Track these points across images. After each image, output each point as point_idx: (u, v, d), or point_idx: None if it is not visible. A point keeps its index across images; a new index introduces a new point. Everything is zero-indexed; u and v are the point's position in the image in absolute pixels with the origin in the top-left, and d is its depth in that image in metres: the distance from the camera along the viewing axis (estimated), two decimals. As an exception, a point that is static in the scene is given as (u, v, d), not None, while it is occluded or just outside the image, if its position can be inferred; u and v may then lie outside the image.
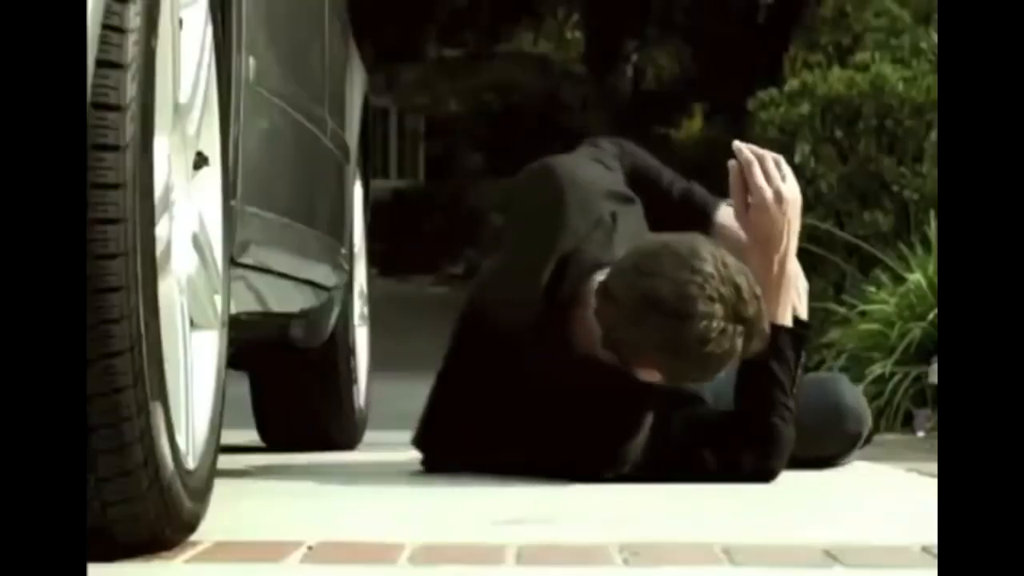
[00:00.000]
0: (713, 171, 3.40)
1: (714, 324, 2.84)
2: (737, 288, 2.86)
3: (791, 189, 3.15)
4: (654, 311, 2.88)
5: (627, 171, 3.32)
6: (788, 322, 3.14)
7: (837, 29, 20.03)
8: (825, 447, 3.45)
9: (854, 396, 3.55)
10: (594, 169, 3.26)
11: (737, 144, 3.20)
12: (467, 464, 3.26)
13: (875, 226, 6.70)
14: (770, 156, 3.17)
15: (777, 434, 3.10)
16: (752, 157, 3.15)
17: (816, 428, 3.33)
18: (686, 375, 2.97)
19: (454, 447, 3.33)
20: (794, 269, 3.19)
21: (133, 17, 1.91)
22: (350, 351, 4.38)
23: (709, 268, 2.86)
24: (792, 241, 3.15)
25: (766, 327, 2.93)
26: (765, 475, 3.10)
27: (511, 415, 3.15)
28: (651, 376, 2.96)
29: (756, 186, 3.13)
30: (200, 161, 2.33)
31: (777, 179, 3.15)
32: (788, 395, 3.12)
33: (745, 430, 3.11)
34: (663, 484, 3.06)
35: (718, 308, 2.85)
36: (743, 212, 3.16)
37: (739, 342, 2.88)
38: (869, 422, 3.56)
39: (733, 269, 2.88)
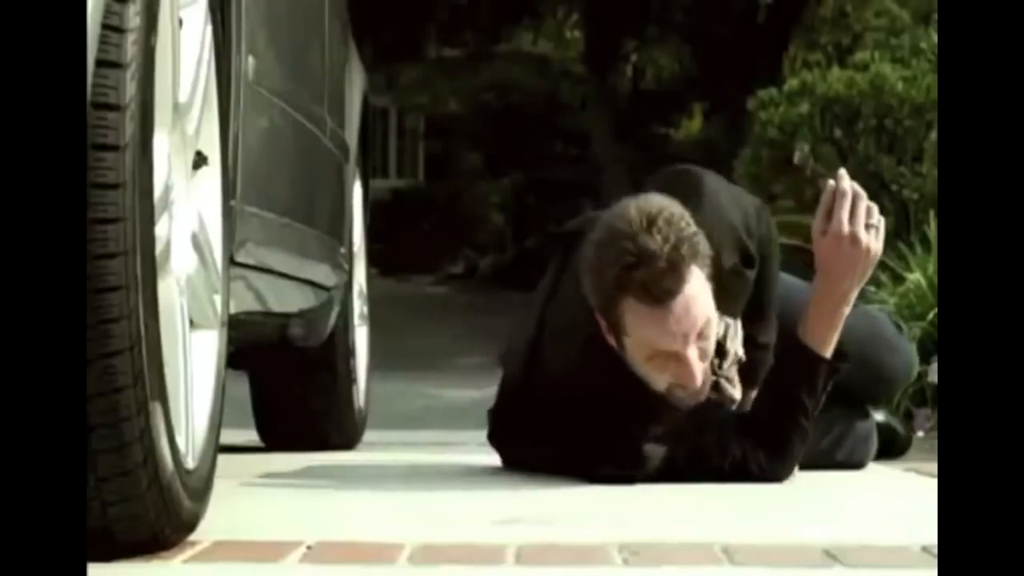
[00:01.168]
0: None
1: (628, 246, 2.94)
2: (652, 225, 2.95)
3: (874, 241, 3.16)
4: (588, 256, 3.02)
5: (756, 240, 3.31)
6: (827, 353, 3.17)
7: (837, 29, 20.04)
8: (835, 461, 3.50)
9: (866, 417, 3.64)
10: (737, 211, 3.27)
11: (842, 172, 3.24)
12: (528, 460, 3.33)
13: (875, 226, 6.69)
14: (865, 200, 3.19)
15: (791, 448, 3.17)
16: (848, 191, 3.18)
17: (861, 360, 3.37)
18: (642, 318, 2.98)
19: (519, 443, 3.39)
20: (848, 310, 3.21)
21: (132, 17, 1.91)
22: (349, 351, 4.38)
23: (632, 217, 2.96)
24: (855, 286, 3.18)
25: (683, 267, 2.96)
26: (770, 480, 3.13)
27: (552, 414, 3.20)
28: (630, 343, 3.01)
29: (837, 218, 3.16)
30: (200, 160, 2.33)
31: (861, 222, 3.16)
32: (809, 419, 3.18)
33: (761, 438, 3.13)
34: (663, 484, 3.06)
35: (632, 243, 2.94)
36: (820, 234, 3.18)
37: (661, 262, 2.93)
38: (874, 441, 3.66)
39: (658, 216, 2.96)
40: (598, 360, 3.08)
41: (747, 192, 3.46)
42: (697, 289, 2.97)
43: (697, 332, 2.98)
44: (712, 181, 3.27)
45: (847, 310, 3.19)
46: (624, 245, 2.95)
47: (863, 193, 3.20)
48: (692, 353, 2.99)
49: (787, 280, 3.43)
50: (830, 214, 3.17)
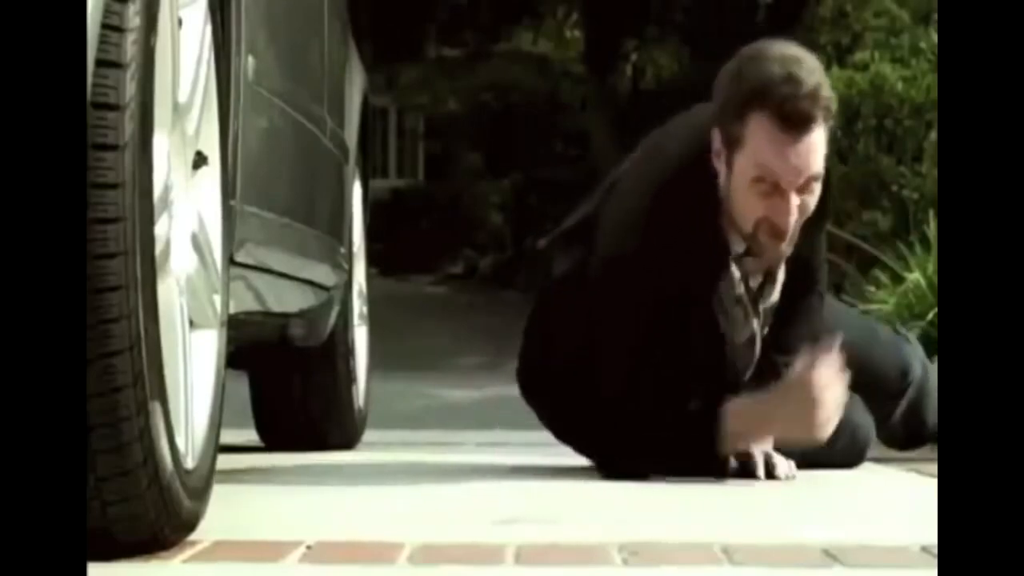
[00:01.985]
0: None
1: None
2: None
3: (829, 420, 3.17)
4: (730, 65, 3.19)
5: None
6: (723, 447, 3.19)
7: (836, 29, 20.03)
8: (832, 457, 3.49)
9: (863, 414, 3.63)
10: None
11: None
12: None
13: (874, 226, 6.71)
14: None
15: None
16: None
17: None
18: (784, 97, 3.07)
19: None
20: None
21: (132, 16, 1.91)
22: (349, 350, 4.38)
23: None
24: (779, 429, 3.20)
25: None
26: None
27: None
28: (760, 133, 3.08)
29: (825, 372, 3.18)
30: (199, 160, 2.33)
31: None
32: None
33: None
34: (663, 484, 3.06)
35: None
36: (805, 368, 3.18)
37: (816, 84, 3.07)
38: (873, 436, 3.67)
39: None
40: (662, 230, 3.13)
41: None
42: (820, 139, 3.08)
43: (808, 177, 3.08)
44: None
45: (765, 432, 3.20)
46: (774, 64, 3.09)
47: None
48: (794, 197, 3.08)
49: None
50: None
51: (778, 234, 3.11)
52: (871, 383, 3.59)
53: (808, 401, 3.10)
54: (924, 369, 3.73)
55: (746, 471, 3.18)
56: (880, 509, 2.90)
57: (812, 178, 3.10)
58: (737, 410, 3.15)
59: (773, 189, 3.08)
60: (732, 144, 3.12)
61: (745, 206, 3.12)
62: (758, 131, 3.08)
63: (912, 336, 3.87)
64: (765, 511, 2.78)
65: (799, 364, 3.16)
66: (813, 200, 3.13)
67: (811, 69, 3.11)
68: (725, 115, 3.13)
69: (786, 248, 3.16)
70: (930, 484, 3.24)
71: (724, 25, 20.79)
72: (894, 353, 3.70)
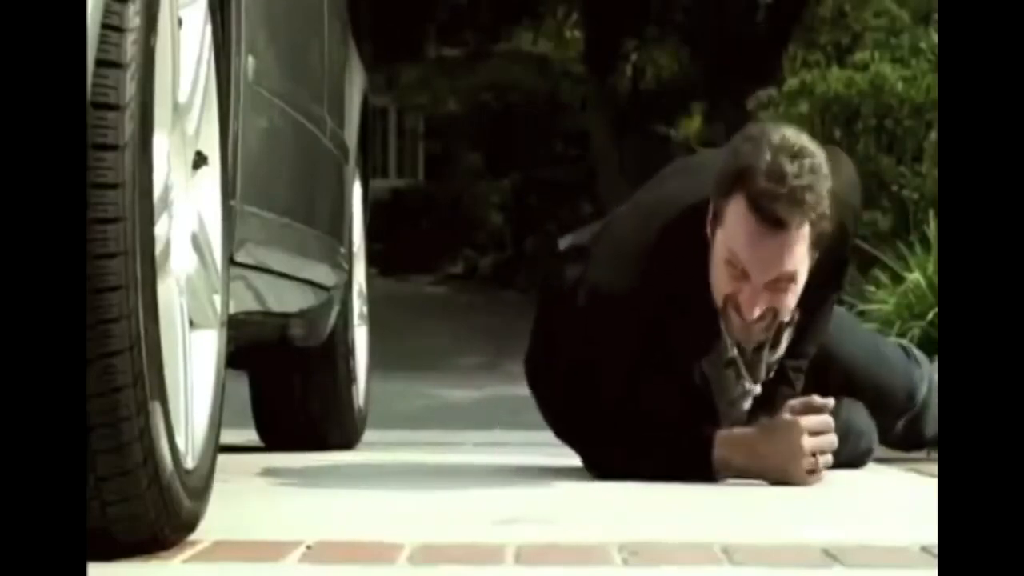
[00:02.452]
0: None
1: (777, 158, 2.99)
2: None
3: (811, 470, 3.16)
4: (736, 138, 3.10)
5: None
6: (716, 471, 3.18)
7: (836, 28, 20.03)
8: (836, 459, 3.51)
9: (866, 420, 3.63)
10: (856, 200, 3.35)
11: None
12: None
13: (874, 226, 6.70)
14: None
15: None
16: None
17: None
18: (765, 194, 2.98)
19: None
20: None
21: (132, 16, 1.91)
22: (349, 350, 4.38)
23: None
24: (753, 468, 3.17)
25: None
26: None
27: None
28: (737, 221, 3.00)
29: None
30: (199, 160, 2.33)
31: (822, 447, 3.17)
32: None
33: None
34: (662, 484, 3.06)
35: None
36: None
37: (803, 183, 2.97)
38: (876, 443, 3.67)
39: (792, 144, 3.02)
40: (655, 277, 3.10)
41: None
42: (798, 241, 2.99)
43: (780, 275, 3.00)
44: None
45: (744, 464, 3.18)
46: (764, 150, 2.99)
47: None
48: (761, 286, 3.01)
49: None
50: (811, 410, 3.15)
51: (742, 321, 3.05)
52: (876, 402, 3.60)
53: (789, 449, 3.10)
54: (929, 388, 3.74)
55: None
56: (880, 509, 2.90)
57: (785, 277, 3.00)
58: (724, 439, 3.16)
59: (743, 275, 3.01)
60: (716, 217, 3.05)
61: (717, 280, 3.06)
62: (735, 215, 3.00)
63: (920, 354, 3.84)
64: (765, 511, 2.78)
65: (786, 409, 3.16)
66: (789, 299, 3.04)
67: (806, 168, 2.97)
68: (716, 186, 3.06)
69: (759, 333, 3.09)
70: (930, 484, 3.24)
71: (724, 25, 20.80)
72: (902, 375, 3.69)
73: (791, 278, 3.01)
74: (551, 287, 3.36)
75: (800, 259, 3.00)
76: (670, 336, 3.13)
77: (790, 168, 2.96)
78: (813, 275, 3.07)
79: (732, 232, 3.00)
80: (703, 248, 3.08)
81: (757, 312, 3.02)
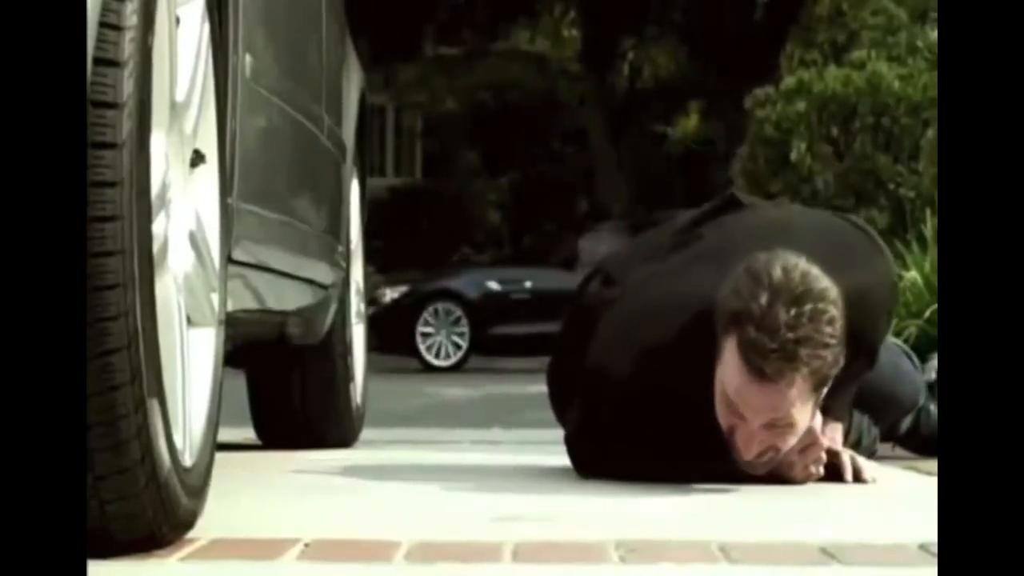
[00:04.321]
0: (710, 169, 3.39)
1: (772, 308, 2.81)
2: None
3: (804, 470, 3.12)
4: (739, 269, 2.90)
5: None
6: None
7: (833, 27, 20.05)
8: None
9: (869, 425, 3.62)
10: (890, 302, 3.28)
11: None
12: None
13: (871, 224, 6.70)
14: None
15: None
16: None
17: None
18: (755, 347, 2.84)
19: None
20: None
21: (130, 15, 1.92)
22: (347, 349, 4.38)
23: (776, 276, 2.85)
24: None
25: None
26: None
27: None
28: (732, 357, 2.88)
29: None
30: (197, 159, 2.33)
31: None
32: None
33: None
34: (660, 483, 3.06)
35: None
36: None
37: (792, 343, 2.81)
38: (877, 445, 3.68)
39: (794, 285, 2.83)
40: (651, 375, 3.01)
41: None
42: (793, 395, 2.84)
43: (775, 419, 2.88)
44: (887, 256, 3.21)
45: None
46: (761, 291, 2.82)
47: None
48: (758, 428, 2.89)
49: None
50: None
51: (742, 456, 2.95)
52: (885, 411, 3.59)
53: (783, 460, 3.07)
54: (927, 398, 3.75)
55: (833, 473, 3.15)
56: (878, 507, 2.90)
57: (781, 421, 2.88)
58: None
59: (739, 414, 2.89)
60: (718, 347, 2.89)
61: (719, 408, 2.92)
62: (729, 355, 2.85)
63: (915, 358, 3.85)
64: (763, 509, 2.78)
65: None
66: (789, 439, 2.91)
67: (804, 316, 2.79)
68: (717, 314, 2.89)
69: (762, 467, 2.99)
70: (928, 482, 3.24)
71: (722, 24, 20.81)
72: (911, 391, 3.69)
73: (791, 423, 2.89)
74: (571, 316, 3.33)
75: (797, 404, 2.86)
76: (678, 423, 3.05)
77: (785, 318, 2.79)
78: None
79: (727, 372, 2.87)
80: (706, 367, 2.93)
81: (755, 452, 2.92)
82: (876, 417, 3.58)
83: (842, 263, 3.00)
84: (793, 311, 2.80)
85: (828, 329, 2.82)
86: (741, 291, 2.84)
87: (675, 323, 3.02)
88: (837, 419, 3.19)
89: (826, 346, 2.82)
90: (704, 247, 3.18)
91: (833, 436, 3.18)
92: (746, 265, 2.88)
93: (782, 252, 2.90)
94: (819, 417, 3.08)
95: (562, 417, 3.40)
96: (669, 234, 3.33)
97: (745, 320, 2.81)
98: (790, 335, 2.79)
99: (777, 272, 2.83)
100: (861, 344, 3.03)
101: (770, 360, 2.80)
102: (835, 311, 2.84)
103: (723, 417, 2.92)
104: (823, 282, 2.85)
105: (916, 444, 3.91)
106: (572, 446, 3.26)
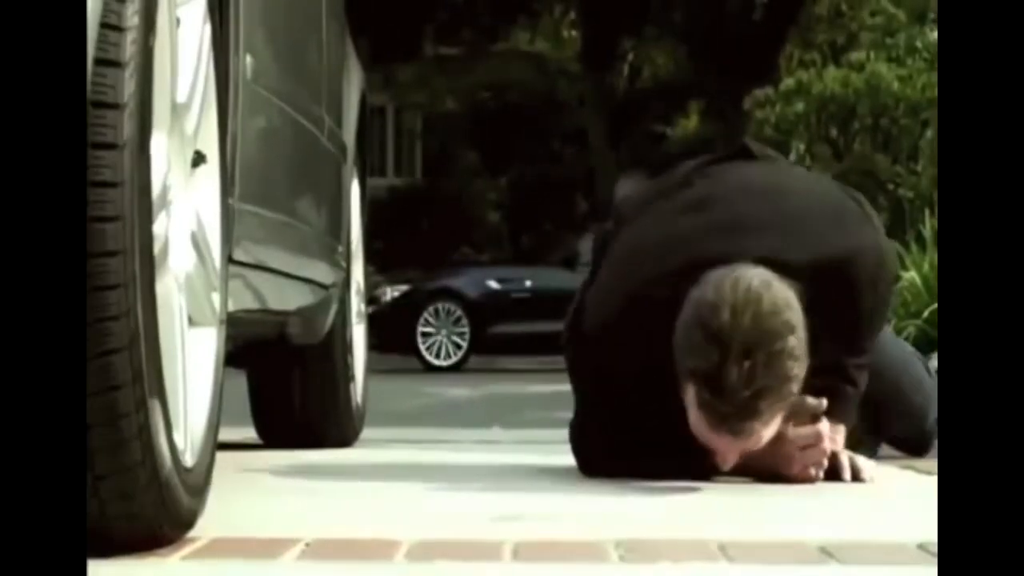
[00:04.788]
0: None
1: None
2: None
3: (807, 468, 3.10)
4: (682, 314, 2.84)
5: None
6: None
7: (833, 28, 20.05)
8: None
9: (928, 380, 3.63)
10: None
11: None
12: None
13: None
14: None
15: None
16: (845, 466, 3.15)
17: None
18: (711, 409, 2.80)
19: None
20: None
21: (131, 16, 1.92)
22: (347, 348, 4.38)
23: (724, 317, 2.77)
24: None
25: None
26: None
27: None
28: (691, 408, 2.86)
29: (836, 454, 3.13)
30: (198, 159, 2.33)
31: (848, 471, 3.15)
32: None
33: None
34: (659, 482, 3.07)
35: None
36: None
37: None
38: (878, 448, 3.68)
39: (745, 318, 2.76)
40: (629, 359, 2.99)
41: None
42: (763, 433, 2.82)
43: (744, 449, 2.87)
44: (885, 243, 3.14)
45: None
46: (710, 351, 2.74)
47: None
48: (734, 450, 2.87)
49: None
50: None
51: (719, 467, 2.93)
52: (895, 418, 3.59)
53: (777, 460, 3.07)
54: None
55: (832, 472, 3.15)
56: (877, 506, 2.90)
57: (755, 446, 2.85)
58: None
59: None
60: (681, 388, 2.83)
61: (692, 423, 2.86)
62: (691, 406, 2.81)
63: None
64: (762, 508, 2.79)
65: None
66: (762, 440, 2.85)
67: (758, 366, 2.71)
68: (676, 356, 2.81)
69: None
70: (927, 481, 3.24)
71: (721, 24, 20.81)
72: (925, 403, 3.64)
73: (762, 441, 2.86)
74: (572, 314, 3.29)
75: (771, 431, 2.84)
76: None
77: (737, 376, 2.71)
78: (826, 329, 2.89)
79: (691, 417, 2.82)
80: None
81: (731, 465, 2.91)
82: (888, 425, 3.57)
83: (826, 230, 2.98)
84: (746, 364, 2.72)
85: (788, 363, 2.76)
86: (692, 343, 2.78)
87: (656, 271, 2.99)
88: (841, 421, 3.18)
89: (788, 380, 2.78)
90: (689, 197, 3.14)
91: (835, 438, 3.18)
92: (695, 302, 2.80)
93: (733, 276, 2.81)
94: (825, 422, 3.09)
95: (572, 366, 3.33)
96: (670, 181, 3.31)
97: (700, 379, 2.76)
98: (746, 392, 2.73)
99: (725, 317, 2.74)
100: (842, 321, 3.00)
101: (729, 422, 2.77)
102: (793, 339, 2.77)
103: (695, 430, 2.87)
104: (777, 310, 2.77)
105: (911, 446, 3.89)
106: (576, 441, 3.27)
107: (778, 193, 3.11)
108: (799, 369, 2.81)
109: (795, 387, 2.83)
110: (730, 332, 2.74)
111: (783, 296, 2.81)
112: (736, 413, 2.76)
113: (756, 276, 2.82)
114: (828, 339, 2.93)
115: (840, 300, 2.95)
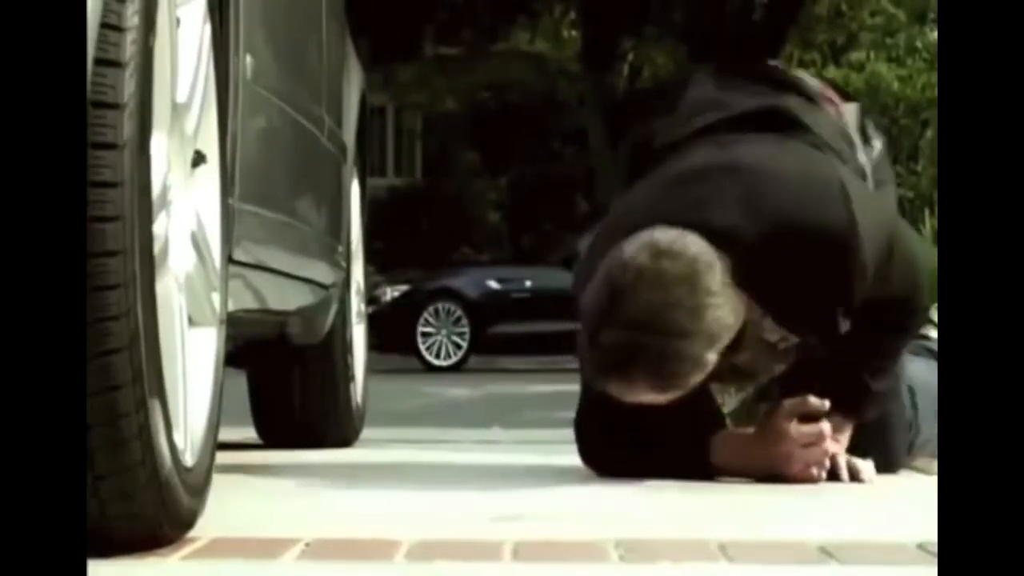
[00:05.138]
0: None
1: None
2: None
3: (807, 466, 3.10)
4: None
5: None
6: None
7: (833, 28, 20.04)
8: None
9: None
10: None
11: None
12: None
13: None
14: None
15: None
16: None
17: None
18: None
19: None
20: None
21: (131, 16, 1.92)
22: (347, 348, 4.38)
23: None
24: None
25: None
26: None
27: None
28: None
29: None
30: (198, 159, 2.33)
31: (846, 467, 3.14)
32: None
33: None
34: (659, 481, 3.07)
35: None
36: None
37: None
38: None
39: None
40: None
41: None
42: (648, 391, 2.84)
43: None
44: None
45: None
46: (605, 321, 2.80)
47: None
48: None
49: None
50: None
51: None
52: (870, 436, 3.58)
53: (779, 459, 3.08)
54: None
55: (831, 472, 3.14)
56: (877, 506, 2.90)
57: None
58: (722, 440, 3.14)
59: None
60: None
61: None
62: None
63: None
64: (762, 508, 2.79)
65: (784, 409, 3.08)
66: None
67: (663, 325, 2.77)
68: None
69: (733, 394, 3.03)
70: (927, 482, 3.24)
71: (722, 25, 20.80)
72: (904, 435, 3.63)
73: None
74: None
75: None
76: None
77: (632, 345, 2.77)
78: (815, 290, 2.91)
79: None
80: None
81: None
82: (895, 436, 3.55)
83: (792, 206, 2.92)
84: (636, 333, 2.76)
85: (684, 322, 2.76)
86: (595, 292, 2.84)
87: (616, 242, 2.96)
88: (852, 417, 3.17)
89: (692, 334, 2.77)
90: (656, 173, 3.11)
91: (838, 438, 3.17)
92: (616, 261, 2.83)
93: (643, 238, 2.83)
94: (826, 422, 3.08)
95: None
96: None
97: (587, 322, 2.82)
98: (647, 379, 2.79)
99: (611, 280, 2.80)
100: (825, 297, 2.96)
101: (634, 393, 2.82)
102: (688, 292, 2.77)
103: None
104: (665, 268, 2.78)
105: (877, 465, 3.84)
106: (578, 431, 3.28)
107: (756, 176, 2.98)
108: (701, 342, 2.78)
109: (699, 357, 2.79)
110: (630, 284, 2.77)
111: (685, 265, 2.79)
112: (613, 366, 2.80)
113: (663, 239, 2.82)
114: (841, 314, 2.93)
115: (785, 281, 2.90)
